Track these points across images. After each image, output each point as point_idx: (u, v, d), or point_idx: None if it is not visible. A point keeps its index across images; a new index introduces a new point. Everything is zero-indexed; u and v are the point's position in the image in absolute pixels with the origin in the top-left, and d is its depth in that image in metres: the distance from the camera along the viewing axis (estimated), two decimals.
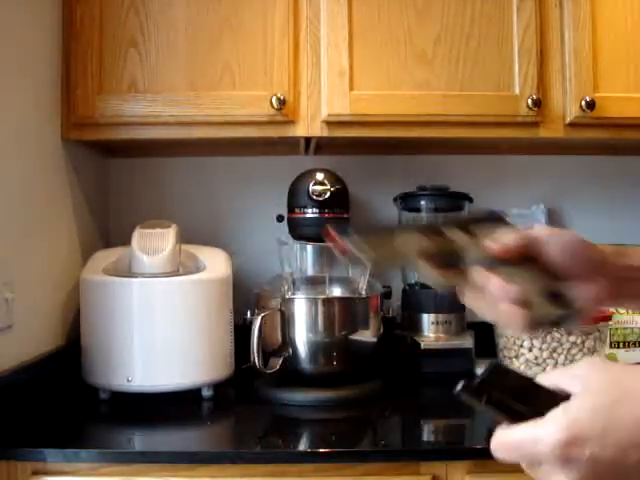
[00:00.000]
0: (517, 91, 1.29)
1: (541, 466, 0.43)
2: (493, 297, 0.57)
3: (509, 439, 0.44)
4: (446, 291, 0.62)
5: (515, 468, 0.98)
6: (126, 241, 1.25)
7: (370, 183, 1.60)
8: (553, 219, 1.63)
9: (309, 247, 1.36)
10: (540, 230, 0.59)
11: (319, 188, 1.33)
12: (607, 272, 0.59)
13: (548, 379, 0.45)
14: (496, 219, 0.62)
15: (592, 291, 0.58)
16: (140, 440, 1.05)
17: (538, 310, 0.57)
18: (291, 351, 1.24)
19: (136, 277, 1.19)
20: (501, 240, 0.58)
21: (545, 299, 0.57)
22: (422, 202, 1.50)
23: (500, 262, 0.58)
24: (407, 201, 1.51)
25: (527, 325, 0.57)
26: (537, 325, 0.58)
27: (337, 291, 1.30)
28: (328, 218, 1.32)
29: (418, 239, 0.60)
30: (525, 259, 0.58)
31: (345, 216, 1.37)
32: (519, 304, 0.56)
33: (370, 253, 0.60)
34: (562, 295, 0.58)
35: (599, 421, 0.41)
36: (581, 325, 0.57)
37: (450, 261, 0.60)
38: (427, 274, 0.60)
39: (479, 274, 0.58)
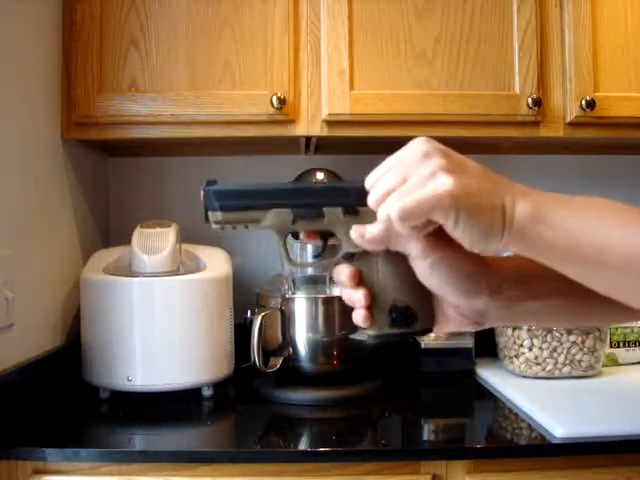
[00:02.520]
0: (517, 90, 1.29)
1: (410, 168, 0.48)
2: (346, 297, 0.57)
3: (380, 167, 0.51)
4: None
5: (515, 468, 0.99)
6: (126, 240, 1.25)
7: None
8: None
9: (309, 246, 1.36)
10: (414, 244, 0.53)
11: None
12: (494, 301, 0.54)
13: None
14: None
15: (455, 314, 0.56)
16: (140, 439, 1.05)
17: (376, 323, 0.56)
18: (291, 350, 1.24)
19: (136, 276, 1.19)
20: (365, 230, 0.53)
21: (387, 315, 0.55)
22: None
23: (366, 254, 0.55)
24: None
25: (370, 335, 0.57)
26: (376, 338, 0.56)
27: (337, 290, 1.30)
28: None
29: (291, 217, 0.56)
30: (398, 255, 0.54)
31: None
32: (365, 310, 0.56)
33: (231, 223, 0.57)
34: (408, 311, 0.55)
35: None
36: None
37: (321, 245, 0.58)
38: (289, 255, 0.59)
39: (338, 268, 0.57)
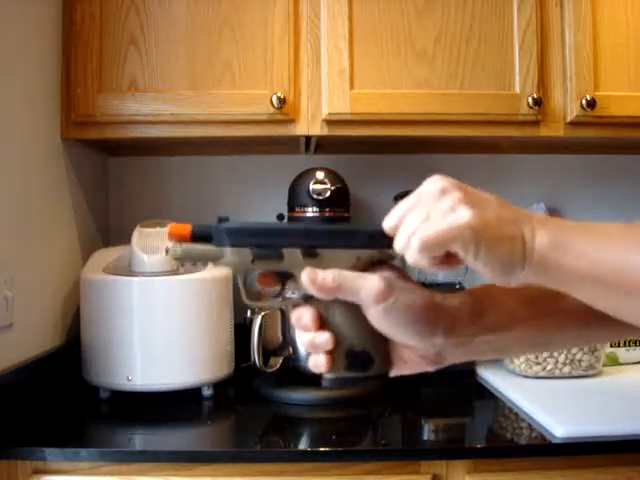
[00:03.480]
0: (517, 90, 1.28)
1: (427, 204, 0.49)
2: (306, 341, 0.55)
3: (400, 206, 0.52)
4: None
5: (516, 467, 0.98)
6: (126, 240, 1.25)
7: (370, 182, 1.60)
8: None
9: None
10: (364, 286, 0.52)
11: (319, 187, 1.33)
12: (449, 339, 0.53)
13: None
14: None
15: (414, 356, 0.55)
16: (140, 439, 1.05)
17: (333, 367, 0.55)
18: (291, 350, 1.24)
19: (136, 276, 1.19)
20: (317, 276, 0.53)
21: (343, 358, 0.54)
22: None
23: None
24: None
25: (325, 378, 0.56)
26: (332, 381, 0.56)
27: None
28: (328, 217, 1.32)
29: (250, 257, 0.55)
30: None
31: (345, 215, 1.37)
32: (326, 355, 0.54)
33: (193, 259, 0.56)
34: (365, 355, 0.54)
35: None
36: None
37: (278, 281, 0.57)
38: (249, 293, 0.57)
39: (299, 311, 0.55)
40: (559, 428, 0.97)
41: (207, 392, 1.22)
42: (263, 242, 0.55)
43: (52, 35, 1.27)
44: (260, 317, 1.19)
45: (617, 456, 0.96)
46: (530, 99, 1.27)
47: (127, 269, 1.21)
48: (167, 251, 0.56)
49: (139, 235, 1.22)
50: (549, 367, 1.28)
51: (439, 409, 1.21)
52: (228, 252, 0.55)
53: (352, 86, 1.27)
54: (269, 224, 0.57)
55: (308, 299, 0.55)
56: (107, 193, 1.61)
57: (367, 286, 0.52)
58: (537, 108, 1.27)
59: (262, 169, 1.61)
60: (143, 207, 1.59)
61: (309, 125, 1.29)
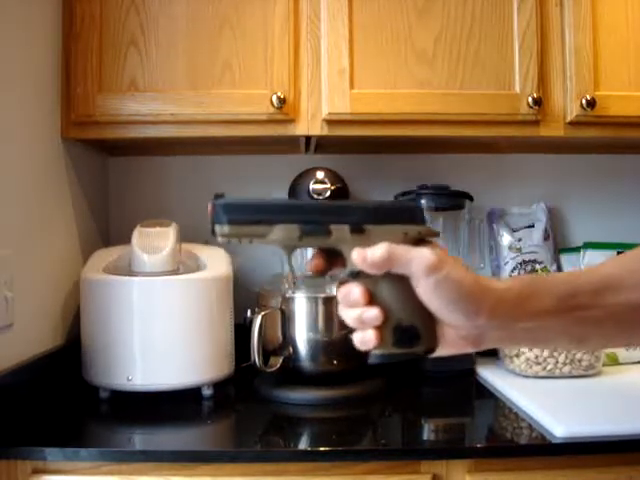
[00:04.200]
0: (517, 90, 1.28)
1: None
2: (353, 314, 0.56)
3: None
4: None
5: (516, 467, 0.98)
6: (126, 240, 1.25)
7: (370, 182, 1.60)
8: (554, 218, 1.63)
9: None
10: (417, 257, 0.53)
11: (319, 187, 1.33)
12: (492, 320, 0.55)
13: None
14: (409, 211, 0.57)
15: (455, 336, 0.56)
16: (140, 439, 1.05)
17: (382, 345, 0.55)
18: (291, 350, 1.24)
19: (136, 276, 1.19)
20: (367, 254, 0.54)
21: (391, 334, 0.55)
22: (422, 201, 1.50)
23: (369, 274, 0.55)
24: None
25: (373, 355, 0.57)
26: (379, 357, 0.56)
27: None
28: None
29: (297, 233, 0.56)
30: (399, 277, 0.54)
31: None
32: (375, 330, 0.55)
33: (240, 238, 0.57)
34: (412, 331, 0.55)
35: None
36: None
37: (327, 258, 0.58)
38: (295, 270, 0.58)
39: (346, 288, 0.56)
40: (559, 428, 0.97)
41: (207, 392, 1.22)
42: (260, 218, 0.56)
43: (52, 35, 1.27)
44: (260, 317, 1.19)
45: (618, 456, 0.96)
46: (530, 99, 1.27)
47: (127, 269, 1.21)
48: (213, 231, 0.56)
49: (139, 235, 1.22)
50: (549, 367, 1.28)
51: (439, 409, 1.21)
52: (275, 229, 0.56)
53: (352, 86, 1.27)
54: (267, 200, 0.57)
55: (355, 275, 0.56)
56: (107, 193, 1.61)
57: (419, 257, 0.53)
58: (537, 108, 1.27)
59: (262, 169, 1.61)
60: (143, 207, 1.59)
61: (309, 125, 1.29)
